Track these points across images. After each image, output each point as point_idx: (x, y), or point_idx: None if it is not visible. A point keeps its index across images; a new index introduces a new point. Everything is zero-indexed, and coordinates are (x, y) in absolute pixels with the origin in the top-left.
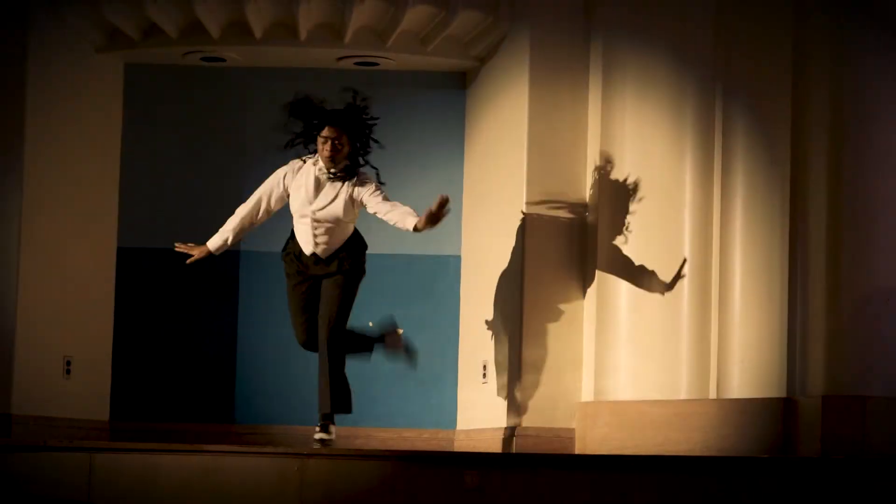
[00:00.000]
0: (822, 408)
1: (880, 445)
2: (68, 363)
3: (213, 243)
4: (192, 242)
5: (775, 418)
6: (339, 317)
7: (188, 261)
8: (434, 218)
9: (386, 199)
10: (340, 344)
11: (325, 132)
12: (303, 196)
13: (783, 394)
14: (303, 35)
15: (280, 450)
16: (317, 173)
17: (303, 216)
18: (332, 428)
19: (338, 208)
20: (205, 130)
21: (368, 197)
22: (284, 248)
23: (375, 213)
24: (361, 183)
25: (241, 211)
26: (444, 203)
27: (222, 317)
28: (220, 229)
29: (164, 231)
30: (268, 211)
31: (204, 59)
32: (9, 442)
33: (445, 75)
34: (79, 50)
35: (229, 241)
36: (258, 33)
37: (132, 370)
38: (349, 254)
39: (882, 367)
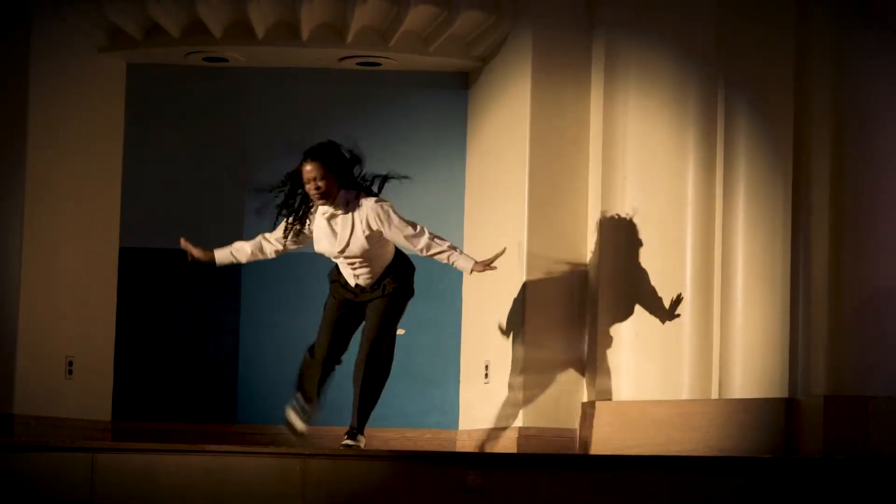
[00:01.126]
0: (824, 408)
1: (882, 445)
2: (70, 363)
3: (220, 255)
4: (199, 245)
5: (777, 418)
6: (380, 336)
7: (190, 257)
8: (489, 268)
9: (404, 222)
10: (379, 365)
11: (304, 176)
12: (325, 241)
13: (785, 394)
14: (305, 35)
15: (282, 450)
16: (323, 215)
17: (335, 258)
18: (361, 438)
19: (360, 241)
20: (207, 130)
21: (384, 228)
22: (330, 275)
23: (414, 249)
24: (372, 209)
25: (261, 241)
26: (500, 255)
27: (224, 317)
28: (234, 246)
29: (166, 231)
30: (286, 247)
31: (206, 59)
32: (11, 442)
33: (447, 75)
34: (81, 50)
35: (236, 261)
36: (260, 33)
37: (134, 370)
38: (395, 277)
39: (884, 367)
